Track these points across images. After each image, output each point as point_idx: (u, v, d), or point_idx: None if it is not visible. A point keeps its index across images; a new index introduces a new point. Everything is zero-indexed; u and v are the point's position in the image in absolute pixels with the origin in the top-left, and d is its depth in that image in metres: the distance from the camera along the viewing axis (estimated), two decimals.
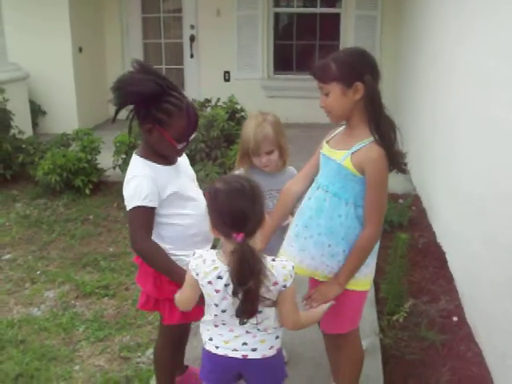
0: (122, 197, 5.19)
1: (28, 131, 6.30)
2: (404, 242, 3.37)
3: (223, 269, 1.83)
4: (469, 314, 3.38)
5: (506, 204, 2.81)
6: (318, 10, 8.05)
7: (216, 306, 1.89)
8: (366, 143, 2.09)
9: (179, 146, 2.18)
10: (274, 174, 2.64)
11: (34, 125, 7.31)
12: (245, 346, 1.92)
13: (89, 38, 7.72)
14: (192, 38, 8.22)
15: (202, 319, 2.00)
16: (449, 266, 3.98)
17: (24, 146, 5.69)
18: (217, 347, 1.96)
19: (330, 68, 2.12)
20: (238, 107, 5.53)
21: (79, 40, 7.42)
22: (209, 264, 1.86)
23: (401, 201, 5.09)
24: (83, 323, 3.44)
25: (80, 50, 7.43)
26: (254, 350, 1.93)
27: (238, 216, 1.77)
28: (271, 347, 1.95)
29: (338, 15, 7.95)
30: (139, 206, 2.12)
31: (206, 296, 1.91)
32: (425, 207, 5.02)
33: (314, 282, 2.30)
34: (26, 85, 6.67)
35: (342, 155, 2.14)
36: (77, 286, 3.83)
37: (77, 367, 3.06)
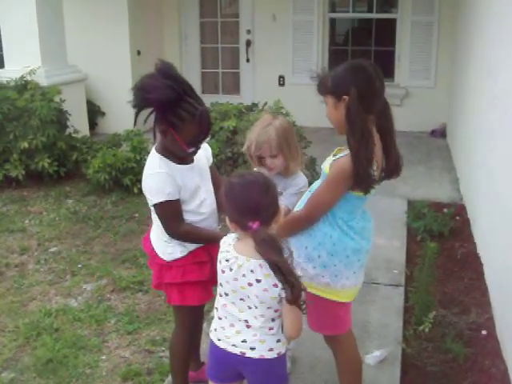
0: None
1: (84, 131, 6.57)
2: (432, 250, 3.31)
3: (233, 254, 1.93)
4: (499, 328, 3.28)
5: None
6: (374, 15, 7.98)
7: (221, 285, 1.99)
8: (342, 154, 2.17)
9: (189, 150, 2.29)
10: (280, 176, 2.62)
11: (94, 125, 7.63)
12: (244, 344, 1.97)
13: (147, 41, 7.96)
14: (248, 43, 8.33)
15: (215, 304, 2.08)
16: (485, 279, 3.87)
17: (78, 144, 5.96)
18: (219, 339, 2.03)
19: (326, 81, 2.20)
20: (284, 112, 5.56)
21: (138, 43, 7.68)
22: (226, 246, 1.99)
23: (445, 210, 4.98)
24: (115, 316, 3.58)
25: (138, 53, 7.69)
26: (252, 348, 1.97)
27: (253, 205, 1.87)
28: (271, 349, 1.97)
29: (394, 21, 7.84)
30: (164, 201, 2.26)
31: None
32: (469, 217, 4.89)
33: None
34: (83, 86, 6.96)
35: (328, 160, 2.25)
36: (113, 281, 3.99)
37: (103, 357, 3.20)
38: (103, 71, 7.46)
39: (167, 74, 2.22)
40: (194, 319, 2.54)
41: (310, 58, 8.14)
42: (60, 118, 5.79)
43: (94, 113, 7.60)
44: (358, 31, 8.29)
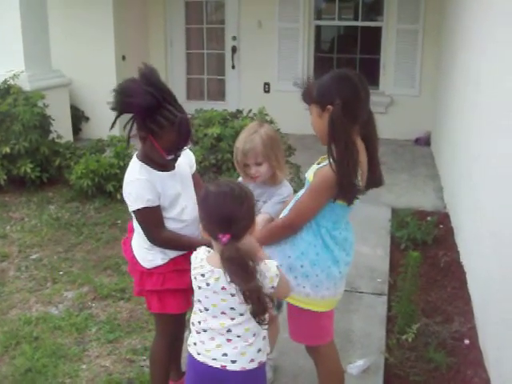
0: None
1: (68, 136, 6.51)
2: (416, 260, 3.32)
3: (207, 269, 1.90)
4: (481, 338, 3.29)
5: None
6: (360, 23, 8.01)
7: (199, 301, 1.97)
8: (325, 163, 2.16)
9: (168, 157, 2.27)
10: (265, 185, 2.62)
11: (78, 130, 7.57)
12: (224, 357, 1.94)
13: (133, 46, 7.92)
14: (234, 49, 8.33)
15: (191, 319, 2.05)
16: (468, 288, 3.88)
17: (61, 150, 5.90)
18: (198, 353, 2.00)
19: (311, 90, 2.19)
20: (268, 119, 5.56)
21: (123, 48, 7.63)
22: (198, 261, 1.96)
23: (429, 218, 5.00)
24: (96, 324, 3.54)
25: (123, 58, 7.64)
26: (233, 361, 1.94)
27: (225, 217, 1.84)
28: (252, 360, 1.96)
29: (379, 29, 7.88)
30: (144, 208, 2.25)
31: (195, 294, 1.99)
32: (453, 226, 4.91)
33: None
34: (67, 91, 6.90)
35: (312, 168, 2.25)
36: (95, 288, 3.94)
37: (84, 366, 3.15)
38: (88, 76, 7.40)
39: (149, 80, 2.21)
40: (174, 327, 2.52)
41: (296, 64, 8.16)
42: (43, 123, 5.73)
43: (78, 118, 7.54)
44: (343, 39, 8.31)
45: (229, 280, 1.81)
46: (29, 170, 5.52)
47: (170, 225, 2.34)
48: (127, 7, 7.73)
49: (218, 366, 1.95)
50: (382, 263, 4.22)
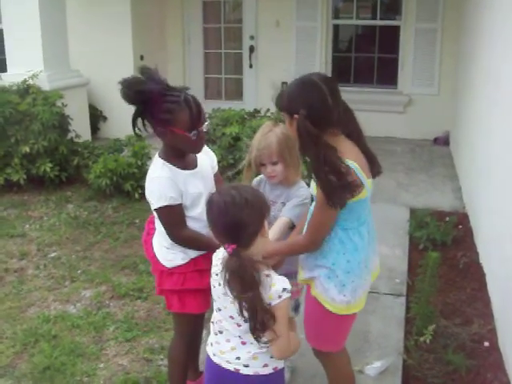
0: None
1: (86, 136, 6.56)
2: (435, 260, 3.28)
3: (220, 269, 1.89)
4: (501, 340, 3.25)
5: None
6: (378, 22, 7.95)
7: (215, 301, 1.98)
8: None
9: (192, 136, 2.25)
10: (282, 186, 2.61)
11: (96, 129, 7.62)
12: (238, 361, 1.94)
13: (151, 46, 7.96)
14: (251, 49, 8.32)
15: (212, 318, 2.05)
16: (488, 289, 3.84)
17: (80, 149, 5.95)
18: (214, 354, 2.00)
19: (282, 98, 2.16)
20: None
21: (141, 48, 7.66)
22: (216, 259, 1.97)
23: (448, 219, 4.95)
24: (114, 323, 3.55)
25: (141, 58, 7.67)
26: (246, 365, 1.94)
27: (229, 228, 1.82)
28: (265, 365, 1.94)
29: (397, 28, 7.82)
30: (167, 206, 2.25)
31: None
32: (472, 226, 4.86)
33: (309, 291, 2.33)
34: (85, 91, 6.96)
35: (313, 181, 2.17)
36: (113, 287, 3.96)
37: (101, 365, 3.17)
38: (106, 76, 7.39)
39: (149, 75, 2.26)
40: (193, 327, 2.52)
41: (313, 64, 8.11)
42: (62, 123, 5.78)
43: (96, 117, 7.60)
44: (361, 38, 8.26)
45: (227, 290, 1.81)
46: (48, 170, 5.58)
47: (192, 224, 2.34)
48: (145, 6, 7.77)
49: (232, 369, 1.95)
50: (401, 264, 4.18)
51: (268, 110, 5.79)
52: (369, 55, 8.15)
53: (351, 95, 8.29)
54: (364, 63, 8.23)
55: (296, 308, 2.72)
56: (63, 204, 5.54)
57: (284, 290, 1.83)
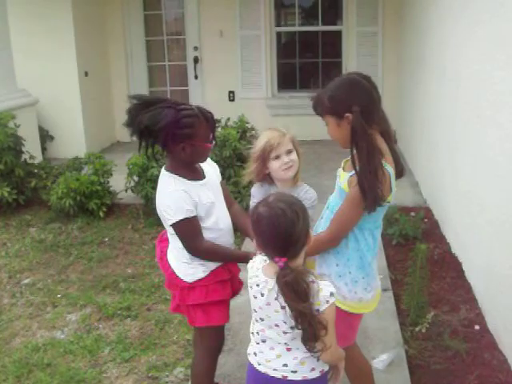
0: (136, 219, 5.26)
1: (38, 156, 6.34)
2: (424, 252, 3.41)
3: (262, 279, 1.89)
4: (491, 322, 3.41)
5: None
6: (320, 27, 8.17)
7: (255, 311, 1.96)
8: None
9: (212, 146, 2.34)
10: (289, 188, 2.58)
11: (43, 149, 7.35)
12: (285, 367, 1.93)
13: (94, 62, 7.82)
14: (196, 60, 8.32)
15: (251, 329, 2.03)
16: (466, 276, 4.01)
17: (36, 170, 5.75)
18: (259, 364, 1.98)
19: (322, 102, 2.17)
20: (249, 126, 5.59)
21: (85, 64, 7.51)
22: (254, 270, 1.95)
23: (412, 214, 5.13)
24: (108, 345, 3.45)
25: (86, 74, 7.52)
26: (294, 371, 1.93)
27: (280, 242, 1.80)
28: (312, 369, 1.94)
29: (339, 32, 8.07)
30: (184, 219, 2.23)
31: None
32: (437, 219, 5.07)
33: None
34: (35, 110, 6.74)
35: (343, 177, 2.21)
36: (98, 309, 3.85)
37: None
38: (51, 95, 7.24)
39: (147, 101, 2.26)
40: (218, 339, 2.51)
41: (259, 72, 8.24)
42: (16, 144, 5.56)
43: (43, 137, 7.34)
44: (305, 44, 8.43)
45: (283, 303, 1.81)
46: (6, 194, 5.34)
47: (208, 234, 2.33)
48: (87, 22, 7.62)
49: (280, 377, 1.94)
50: (380, 260, 4.28)
51: (228, 119, 5.80)
52: (313, 60, 8.33)
53: (298, 100, 8.59)
54: (309, 68, 8.41)
55: None
56: (24, 228, 5.33)
57: (331, 294, 1.84)
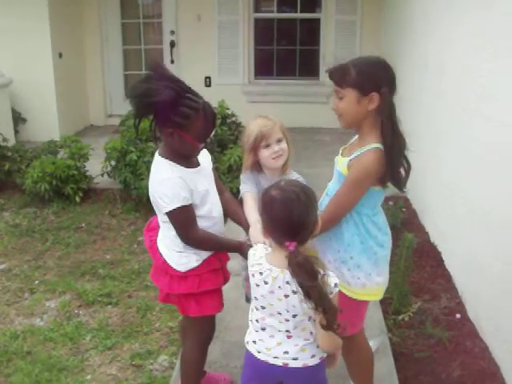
0: (113, 204, 5.16)
1: (11, 139, 6.18)
2: (411, 242, 3.44)
3: (266, 267, 1.87)
4: (471, 310, 3.47)
5: (503, 199, 2.91)
6: (298, 15, 8.12)
7: (256, 299, 1.94)
8: (363, 150, 2.13)
9: (200, 146, 2.24)
10: (276, 175, 2.56)
11: (15, 132, 7.17)
12: (286, 355, 1.93)
13: (69, 43, 7.62)
14: (172, 44, 8.19)
15: (250, 317, 2.02)
16: (445, 265, 4.07)
17: (10, 153, 5.59)
18: (259, 352, 1.97)
19: (348, 73, 2.12)
20: (229, 112, 5.54)
21: (59, 46, 7.31)
22: (256, 258, 1.93)
23: (390, 203, 5.17)
24: (89, 332, 3.40)
25: (60, 55, 7.33)
26: (294, 359, 1.93)
27: (293, 226, 1.79)
28: (313, 356, 1.94)
29: (318, 20, 8.04)
30: (180, 207, 2.18)
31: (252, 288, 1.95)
32: (415, 208, 5.12)
33: None
34: (7, 91, 6.56)
35: (342, 162, 2.21)
36: (78, 295, 3.79)
37: (88, 377, 3.03)
38: (24, 75, 7.03)
39: (160, 74, 2.15)
40: (209, 328, 2.48)
41: (236, 58, 8.16)
42: None
43: (15, 120, 7.15)
44: (283, 31, 8.37)
45: (287, 291, 1.81)
46: None
47: (201, 223, 2.29)
48: (62, 3, 7.40)
49: (280, 364, 1.93)
50: None
51: None
52: (291, 48, 8.29)
53: (275, 88, 8.52)
54: (286, 56, 8.37)
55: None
56: None
57: (335, 285, 1.85)
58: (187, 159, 2.29)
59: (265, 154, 2.49)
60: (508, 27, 3.02)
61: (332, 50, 7.96)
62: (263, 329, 1.95)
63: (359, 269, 2.22)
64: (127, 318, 3.56)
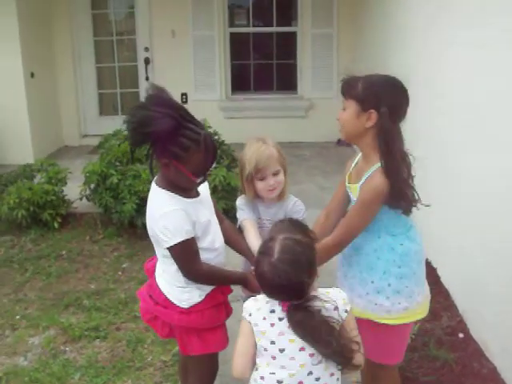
0: (94, 229, 4.94)
1: None
2: None
3: (275, 303, 1.78)
4: (474, 329, 3.37)
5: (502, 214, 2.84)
6: (274, 29, 8.05)
7: (273, 343, 1.78)
8: (370, 172, 2.10)
9: (198, 180, 2.09)
10: (276, 203, 2.53)
11: None
12: (317, 382, 1.79)
13: (40, 62, 7.39)
14: (147, 61, 8.04)
15: (253, 377, 1.85)
16: (442, 282, 3.98)
17: None
18: (280, 382, 1.80)
19: (355, 86, 2.10)
20: (212, 131, 5.39)
21: (30, 65, 7.07)
22: (261, 301, 1.83)
23: None
24: (77, 370, 3.20)
25: (32, 75, 7.11)
26: None
27: (285, 294, 1.75)
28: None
29: (294, 34, 7.98)
30: (183, 241, 2.04)
31: (259, 342, 1.79)
32: None
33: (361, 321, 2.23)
34: None
35: (356, 190, 2.15)
36: (63, 330, 3.59)
37: None
38: None
39: (162, 101, 2.01)
40: (213, 367, 2.33)
41: (213, 73, 8.05)
42: None
43: None
44: (259, 45, 8.30)
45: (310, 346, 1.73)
46: None
47: (204, 255, 2.15)
48: (32, 21, 7.19)
49: None
50: None
51: None
52: (267, 62, 8.22)
53: (252, 103, 8.42)
54: (263, 70, 8.29)
55: None
56: None
57: (346, 302, 1.80)
58: (186, 191, 2.15)
59: (260, 186, 2.44)
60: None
61: (309, 64, 7.92)
62: (280, 382, 1.80)
63: (399, 294, 2.13)
64: (117, 352, 3.38)
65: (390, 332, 2.15)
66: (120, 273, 4.38)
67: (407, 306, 2.15)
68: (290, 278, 1.70)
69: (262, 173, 2.39)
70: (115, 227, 5.07)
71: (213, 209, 2.28)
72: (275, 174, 2.42)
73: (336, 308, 1.76)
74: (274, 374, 1.78)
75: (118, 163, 5.03)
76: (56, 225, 5.07)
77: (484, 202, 3.23)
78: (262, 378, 1.81)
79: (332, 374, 1.79)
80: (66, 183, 5.26)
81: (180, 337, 2.22)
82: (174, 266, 2.12)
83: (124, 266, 4.49)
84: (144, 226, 4.71)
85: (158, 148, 2.03)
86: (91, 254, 4.73)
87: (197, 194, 2.19)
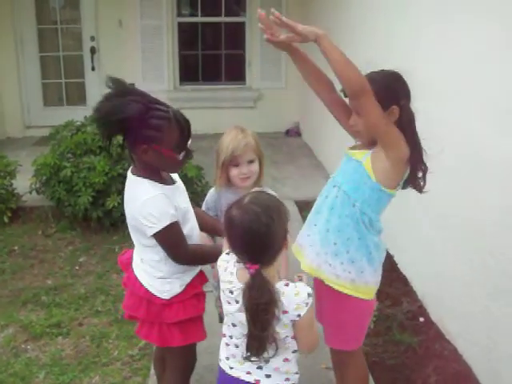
0: (46, 223, 4.82)
1: None
2: None
3: (237, 286, 1.79)
4: (434, 313, 3.50)
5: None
6: (223, 18, 8.00)
7: (227, 316, 1.87)
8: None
9: (180, 157, 2.07)
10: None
11: None
12: (259, 371, 1.86)
13: None
14: (93, 50, 7.82)
15: (223, 331, 1.93)
16: (399, 268, 4.10)
17: None
18: (231, 368, 1.90)
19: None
20: None
21: None
22: (227, 275, 1.84)
23: None
24: (42, 369, 3.12)
25: None
26: (268, 376, 1.86)
27: (253, 250, 1.72)
28: (287, 379, 1.89)
29: (242, 24, 7.97)
30: (170, 224, 2.03)
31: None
32: None
33: (319, 284, 2.30)
34: None
35: (363, 154, 2.18)
36: (23, 328, 3.48)
37: None
38: None
39: (122, 90, 2.00)
40: (192, 358, 2.33)
41: (161, 64, 7.93)
42: None
43: None
44: (208, 35, 8.24)
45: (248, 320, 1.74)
46: None
47: None
48: None
49: (252, 381, 1.87)
50: None
51: None
52: (216, 52, 8.17)
53: (201, 93, 8.38)
54: (212, 61, 8.23)
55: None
56: None
57: (309, 295, 1.78)
58: (162, 174, 2.14)
59: (233, 173, 2.44)
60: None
61: (258, 54, 7.93)
62: (236, 346, 1.87)
63: (352, 264, 2.19)
64: (81, 348, 3.31)
65: (344, 305, 2.22)
66: (77, 267, 4.29)
67: (354, 279, 2.19)
68: (259, 216, 1.69)
69: (237, 160, 2.39)
70: (68, 221, 4.94)
71: (187, 197, 2.28)
72: (250, 162, 2.42)
73: (284, 312, 1.76)
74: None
75: (70, 155, 4.90)
76: (6, 219, 4.91)
77: (441, 188, 3.34)
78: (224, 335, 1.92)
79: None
80: (15, 176, 5.08)
81: (159, 330, 2.19)
82: (156, 256, 2.10)
83: (81, 260, 4.39)
84: (99, 218, 4.71)
85: (132, 136, 2.02)
86: (45, 248, 4.59)
87: (173, 182, 2.19)
